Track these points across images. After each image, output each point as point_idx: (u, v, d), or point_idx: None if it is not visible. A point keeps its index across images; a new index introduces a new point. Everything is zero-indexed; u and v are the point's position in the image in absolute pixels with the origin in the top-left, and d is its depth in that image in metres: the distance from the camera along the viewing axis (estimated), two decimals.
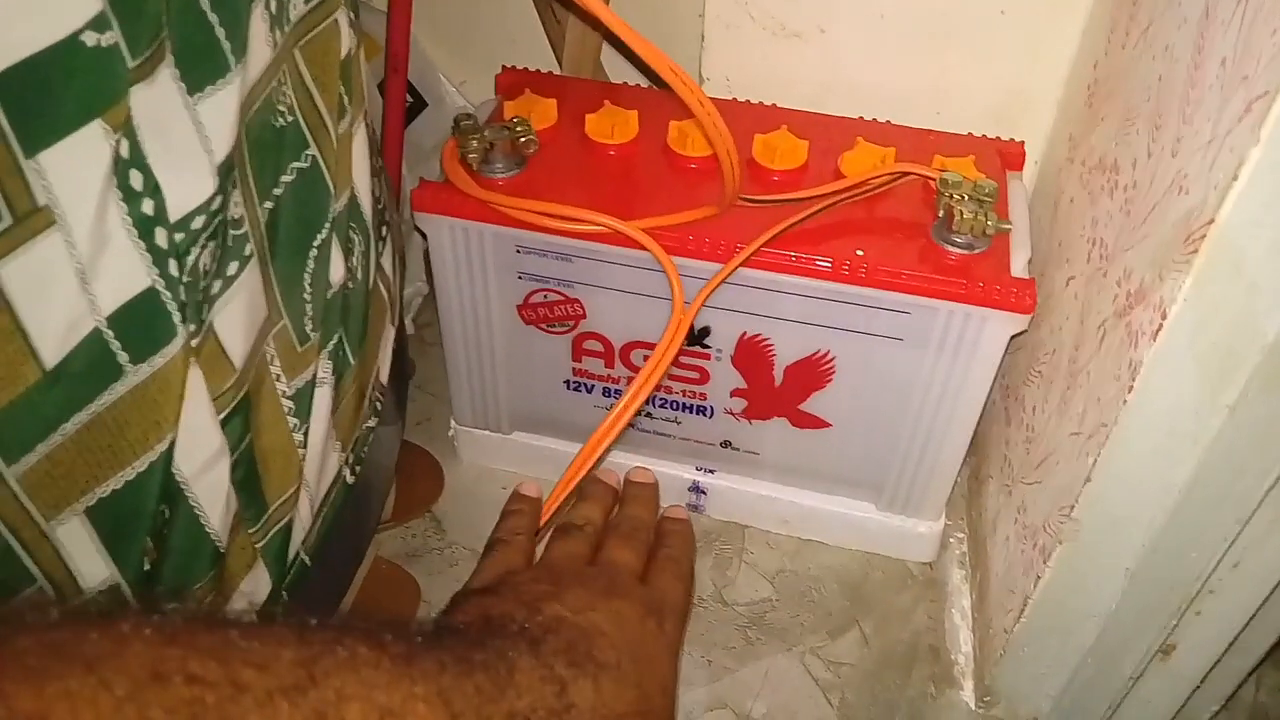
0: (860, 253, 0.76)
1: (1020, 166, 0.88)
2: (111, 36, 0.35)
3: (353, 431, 0.63)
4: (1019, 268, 0.76)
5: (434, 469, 1.04)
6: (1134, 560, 0.65)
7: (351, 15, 0.56)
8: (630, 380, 0.58)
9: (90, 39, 0.34)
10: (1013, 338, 0.76)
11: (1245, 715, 0.90)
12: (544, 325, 0.89)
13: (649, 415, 0.93)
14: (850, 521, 0.96)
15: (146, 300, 0.40)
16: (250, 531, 0.51)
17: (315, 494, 0.58)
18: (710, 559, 0.97)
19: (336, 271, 0.57)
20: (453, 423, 1.03)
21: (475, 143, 0.80)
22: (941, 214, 0.77)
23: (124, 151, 0.37)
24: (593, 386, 0.93)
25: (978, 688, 0.87)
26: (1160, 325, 0.56)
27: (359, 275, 0.61)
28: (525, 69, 0.96)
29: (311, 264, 0.54)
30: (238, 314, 0.46)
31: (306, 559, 0.58)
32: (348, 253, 0.58)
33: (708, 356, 0.86)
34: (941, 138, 0.88)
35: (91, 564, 0.42)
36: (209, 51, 0.41)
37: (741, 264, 0.75)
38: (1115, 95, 0.73)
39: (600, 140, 0.85)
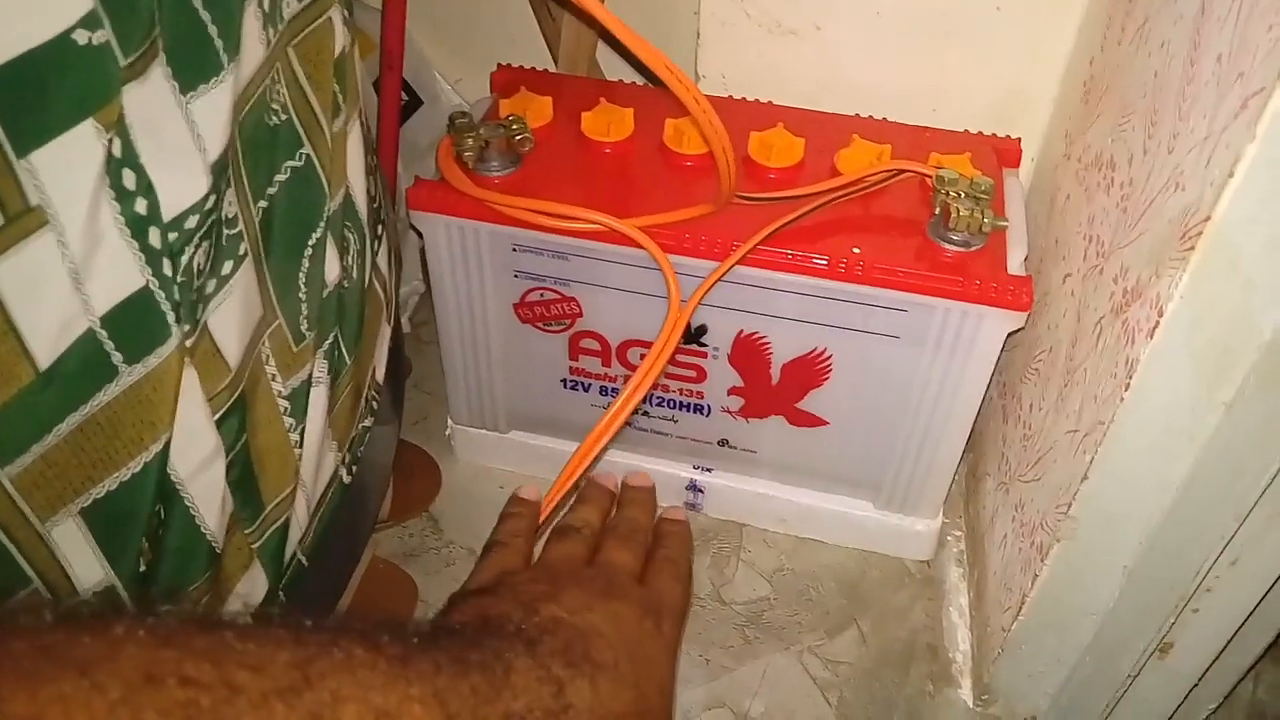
0: (857, 250, 0.76)
1: (1017, 163, 0.88)
2: (103, 35, 0.35)
3: (349, 431, 0.62)
4: (1015, 265, 0.76)
5: (431, 468, 1.04)
6: (1131, 558, 0.65)
7: (345, 13, 0.56)
8: (627, 379, 0.58)
9: (81, 37, 0.34)
10: (1009, 335, 0.76)
11: (1243, 713, 0.90)
12: (540, 324, 0.88)
13: (646, 414, 0.93)
14: (848, 520, 0.96)
15: (140, 300, 0.40)
16: (246, 532, 0.51)
17: (312, 494, 0.58)
18: (708, 558, 0.97)
19: (332, 270, 0.57)
20: (449, 422, 1.03)
21: (471, 141, 0.80)
22: (938, 211, 0.77)
23: (116, 151, 0.37)
24: (589, 385, 0.92)
25: (976, 686, 0.87)
26: (1157, 322, 0.56)
27: (354, 274, 0.61)
28: (521, 67, 0.96)
29: (306, 263, 0.54)
30: (232, 313, 0.46)
31: (303, 559, 0.58)
32: (343, 251, 0.58)
33: (704, 355, 0.86)
34: (938, 135, 0.88)
35: (87, 565, 0.42)
36: (202, 50, 0.41)
37: (738, 262, 0.75)
38: (1111, 92, 0.73)
39: (596, 138, 0.85)
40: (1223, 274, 0.52)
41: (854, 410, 0.86)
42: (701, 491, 0.98)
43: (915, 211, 0.80)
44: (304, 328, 0.54)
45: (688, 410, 0.91)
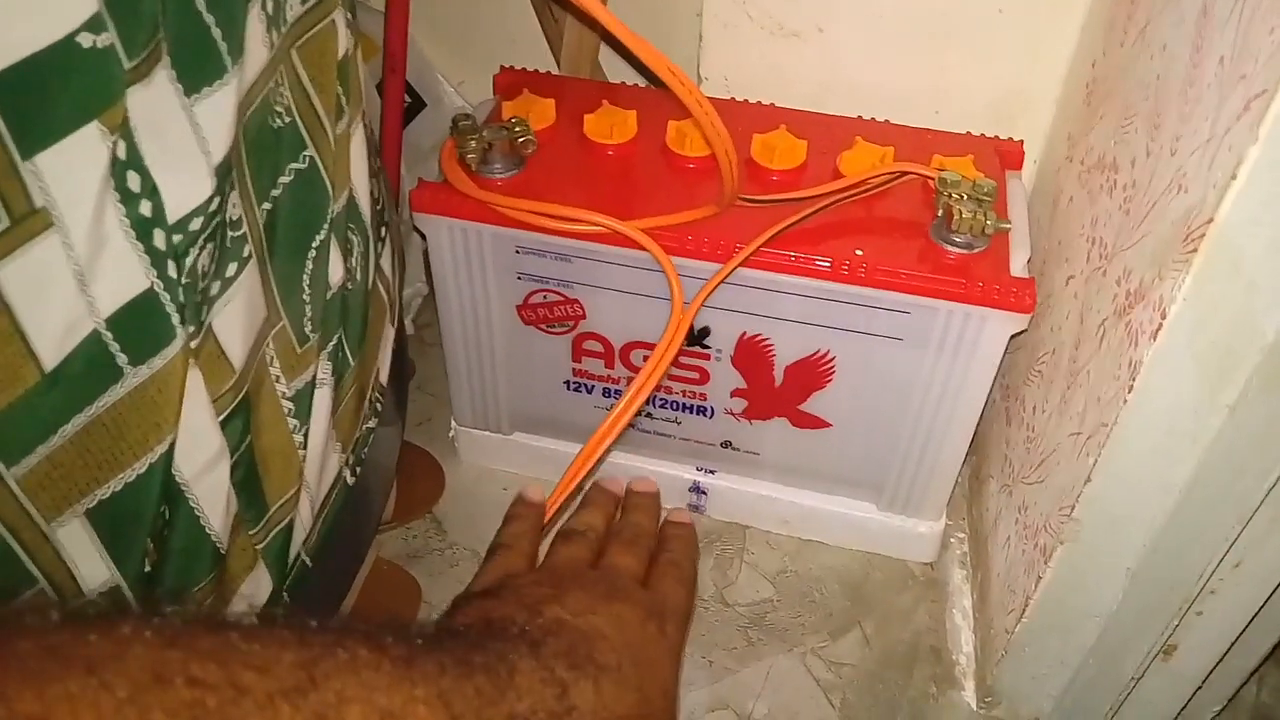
0: (859, 252, 0.76)
1: (1019, 165, 0.88)
2: (107, 38, 0.35)
3: (353, 432, 0.63)
4: (1018, 267, 0.76)
5: (434, 470, 1.04)
6: (1135, 560, 0.65)
7: (349, 15, 0.56)
8: (630, 380, 0.58)
9: (86, 40, 0.34)
10: (1012, 337, 0.76)
11: (1247, 715, 0.89)
12: (544, 326, 0.88)
13: (649, 415, 0.93)
14: (851, 522, 0.96)
15: (145, 302, 0.40)
16: (251, 533, 0.51)
17: (316, 495, 0.58)
18: (711, 560, 0.97)
19: (335, 272, 0.57)
20: (453, 423, 1.03)
21: (474, 143, 0.80)
22: (940, 213, 0.77)
23: (121, 153, 0.37)
24: (593, 387, 0.92)
25: (979, 688, 0.87)
26: (1160, 324, 0.55)
27: (358, 276, 0.61)
28: (523, 69, 0.96)
29: (310, 265, 0.54)
30: (237, 315, 0.46)
31: (307, 560, 0.58)
32: (346, 253, 0.58)
33: (707, 357, 0.86)
34: (940, 137, 0.88)
35: (92, 566, 0.42)
36: (206, 52, 0.41)
37: (741, 264, 0.75)
38: (1114, 94, 0.73)
39: (599, 140, 0.85)
40: (1225, 276, 0.52)
41: (857, 412, 0.86)
42: (704, 493, 0.98)
43: (918, 214, 0.80)
44: (308, 329, 0.54)
45: (691, 412, 0.91)
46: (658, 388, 0.89)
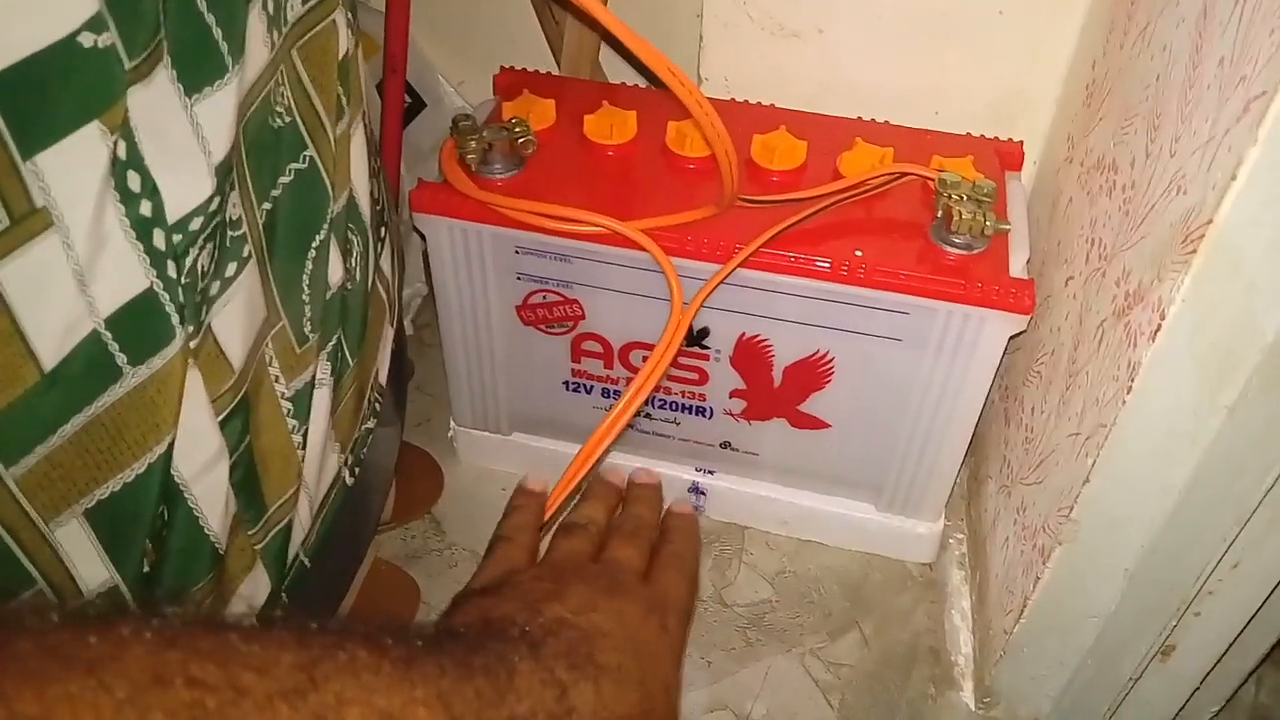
0: (859, 253, 0.76)
1: (1019, 166, 0.88)
2: (108, 37, 0.35)
3: (352, 432, 0.63)
4: (1017, 268, 0.76)
5: (433, 470, 1.04)
6: (1133, 561, 0.65)
7: (349, 15, 0.56)
8: (629, 381, 0.58)
9: (87, 40, 0.34)
10: (1011, 338, 0.76)
11: (1245, 716, 0.90)
12: (543, 326, 0.88)
13: (648, 416, 0.93)
14: (850, 522, 0.96)
15: (145, 302, 0.40)
16: (250, 533, 0.51)
17: (315, 495, 0.58)
18: (710, 560, 0.97)
19: (335, 272, 0.57)
20: (452, 424, 1.03)
21: (474, 143, 0.80)
22: (940, 214, 0.77)
23: (121, 153, 0.37)
24: (592, 387, 0.92)
25: (978, 689, 0.87)
26: (1159, 325, 0.56)
27: (358, 276, 0.61)
28: (524, 69, 0.96)
29: (310, 265, 0.54)
30: (236, 315, 0.46)
31: (306, 560, 0.58)
32: (346, 254, 0.58)
33: (707, 357, 0.86)
34: (940, 138, 0.88)
35: (91, 566, 0.42)
36: (206, 52, 0.41)
37: (740, 264, 0.75)
38: (1114, 95, 0.73)
39: (599, 141, 0.85)
40: (1225, 277, 0.52)
41: (856, 413, 0.86)
42: (703, 494, 0.98)
43: (917, 214, 0.80)
44: (307, 329, 0.54)
45: (690, 412, 0.91)
46: (657, 388, 0.89)
